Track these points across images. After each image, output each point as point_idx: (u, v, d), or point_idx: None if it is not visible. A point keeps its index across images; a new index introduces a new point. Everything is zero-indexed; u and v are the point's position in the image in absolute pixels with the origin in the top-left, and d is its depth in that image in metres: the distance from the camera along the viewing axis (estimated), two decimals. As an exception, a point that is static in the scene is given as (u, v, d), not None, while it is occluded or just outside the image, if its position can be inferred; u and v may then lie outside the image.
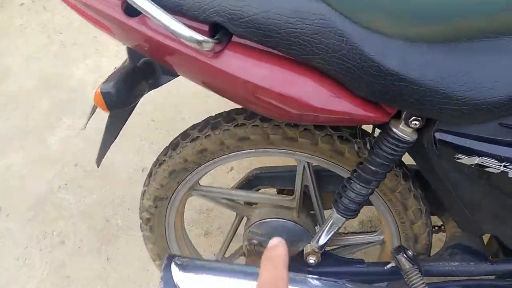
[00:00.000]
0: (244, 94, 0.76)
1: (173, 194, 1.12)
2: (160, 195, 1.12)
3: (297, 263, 1.03)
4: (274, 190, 1.23)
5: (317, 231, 1.15)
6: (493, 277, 1.04)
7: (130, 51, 0.86)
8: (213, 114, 1.05)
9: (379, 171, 0.85)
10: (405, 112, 0.77)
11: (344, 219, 0.94)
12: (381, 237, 1.13)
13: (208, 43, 0.69)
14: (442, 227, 1.13)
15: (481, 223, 0.86)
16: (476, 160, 0.76)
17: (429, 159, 0.83)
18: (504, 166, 0.75)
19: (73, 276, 1.62)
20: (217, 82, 0.77)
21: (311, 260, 1.01)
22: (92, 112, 0.95)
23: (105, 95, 0.73)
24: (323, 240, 0.98)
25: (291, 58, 0.73)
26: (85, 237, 1.71)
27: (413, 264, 0.95)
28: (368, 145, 0.91)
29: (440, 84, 0.68)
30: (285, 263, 0.39)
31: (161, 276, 0.96)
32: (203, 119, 1.05)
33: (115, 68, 0.90)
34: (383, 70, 0.68)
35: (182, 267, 0.96)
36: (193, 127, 1.05)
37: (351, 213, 0.93)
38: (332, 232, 0.97)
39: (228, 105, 0.90)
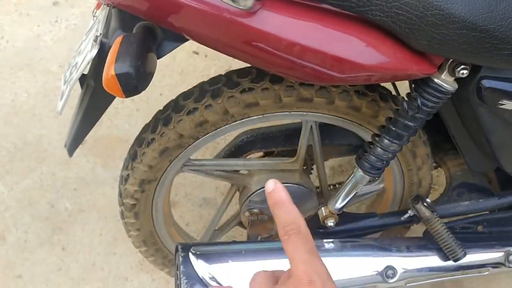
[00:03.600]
0: (286, 59, 0.64)
1: (163, 174, 0.98)
2: (149, 178, 0.97)
3: (313, 226, 0.98)
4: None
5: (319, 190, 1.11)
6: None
7: (120, 14, 0.68)
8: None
9: (412, 125, 0.80)
10: (450, 61, 0.72)
11: (368, 177, 0.89)
12: (382, 186, 1.11)
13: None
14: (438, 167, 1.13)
15: (504, 162, 0.86)
16: (519, 104, 0.75)
17: (465, 107, 0.79)
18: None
19: (26, 274, 1.42)
20: (250, 46, 0.64)
21: (330, 223, 0.95)
22: (68, 94, 0.77)
23: (122, 78, 0.57)
24: (343, 201, 0.93)
25: (338, 13, 0.63)
26: (30, 229, 1.49)
27: (432, 212, 0.95)
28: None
29: (500, 28, 0.64)
30: (291, 201, 0.42)
31: (181, 270, 0.85)
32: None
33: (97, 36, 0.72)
34: (448, 17, 0.62)
35: (203, 257, 0.86)
36: (185, 97, 0.90)
37: (376, 172, 0.88)
38: (354, 192, 0.91)
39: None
